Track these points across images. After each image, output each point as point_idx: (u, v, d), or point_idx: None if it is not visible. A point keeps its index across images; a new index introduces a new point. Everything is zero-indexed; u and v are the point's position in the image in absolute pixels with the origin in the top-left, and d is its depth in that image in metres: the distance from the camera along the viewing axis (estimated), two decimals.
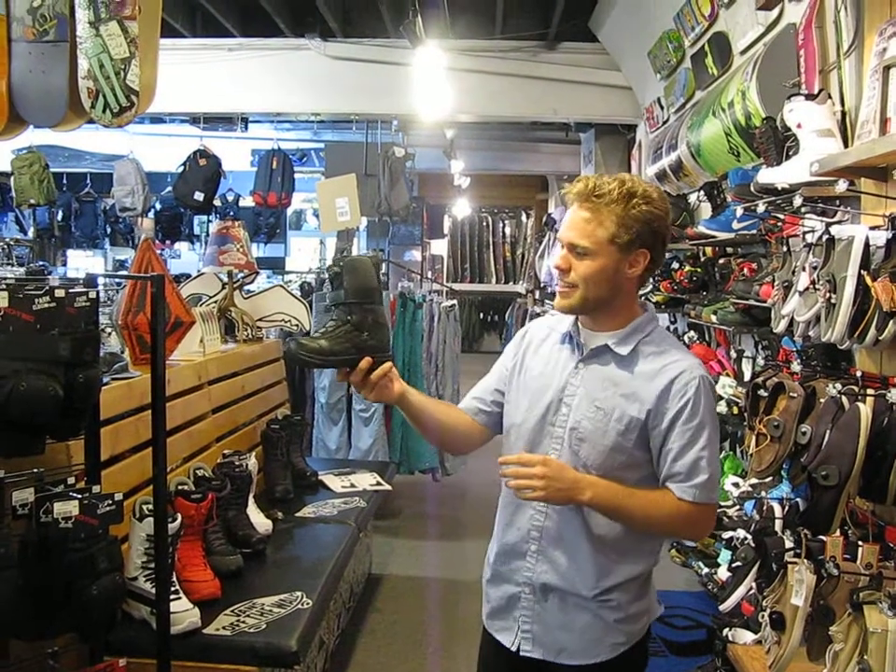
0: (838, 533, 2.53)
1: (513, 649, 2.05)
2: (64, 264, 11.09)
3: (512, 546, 2.07)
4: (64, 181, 9.68)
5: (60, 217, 9.72)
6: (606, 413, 1.92)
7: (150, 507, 2.69)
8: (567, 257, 1.94)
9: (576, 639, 2.00)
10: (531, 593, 2.03)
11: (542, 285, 10.02)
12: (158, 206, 9.21)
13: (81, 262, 11.36)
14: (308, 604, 2.97)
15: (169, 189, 8.47)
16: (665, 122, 6.36)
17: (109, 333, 3.59)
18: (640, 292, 5.50)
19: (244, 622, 2.80)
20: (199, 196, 7.77)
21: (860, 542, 2.51)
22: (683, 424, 1.90)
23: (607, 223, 1.89)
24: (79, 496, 2.26)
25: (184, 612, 2.67)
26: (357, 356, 1.97)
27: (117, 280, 5.49)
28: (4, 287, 2.19)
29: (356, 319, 1.98)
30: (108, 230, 10.12)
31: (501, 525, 2.12)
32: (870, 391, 2.48)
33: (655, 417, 1.91)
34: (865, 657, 2.18)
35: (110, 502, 2.30)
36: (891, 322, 2.33)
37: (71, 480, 2.37)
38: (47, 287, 2.22)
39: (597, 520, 1.95)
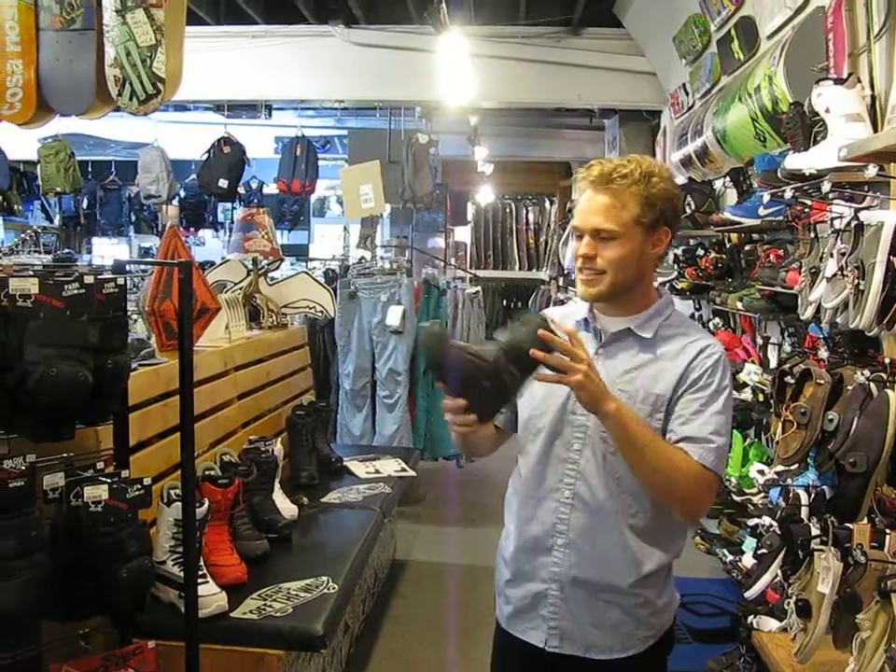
0: (865, 520, 2.52)
1: (541, 646, 2.01)
2: (90, 252, 11.16)
3: (535, 541, 2.01)
4: (89, 169, 9.73)
5: (85, 204, 9.78)
6: (631, 395, 1.90)
7: (178, 492, 2.72)
8: (592, 243, 1.92)
9: (607, 635, 1.97)
10: (559, 589, 1.98)
11: (566, 272, 9.97)
12: (182, 194, 9.24)
13: (106, 250, 11.41)
14: (334, 589, 3.00)
15: (193, 176, 8.50)
16: (690, 108, 6.31)
17: (135, 320, 3.61)
18: (665, 280, 5.52)
19: (270, 606, 2.82)
20: (223, 183, 7.79)
21: (887, 530, 2.49)
22: (697, 391, 1.89)
23: (630, 204, 1.88)
24: (109, 480, 2.28)
25: (211, 596, 2.70)
26: (459, 388, 1.77)
27: (142, 267, 5.53)
28: (33, 273, 2.21)
29: (489, 366, 1.75)
30: (133, 217, 10.17)
31: (520, 521, 2.06)
32: None
33: (677, 388, 1.91)
34: (893, 645, 2.17)
35: (139, 487, 2.33)
36: None
37: (100, 465, 2.40)
38: (76, 274, 2.24)
39: (627, 507, 1.92)
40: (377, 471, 4.65)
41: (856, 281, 2.52)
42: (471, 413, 1.78)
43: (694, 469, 1.85)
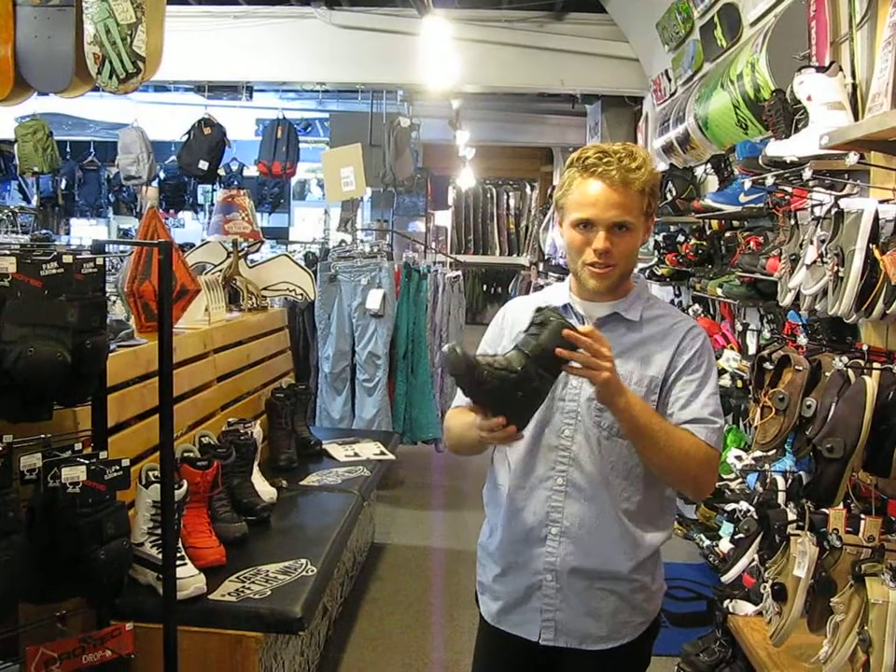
0: (841, 506, 2.54)
1: (535, 640, 1.99)
2: (68, 233, 11.07)
3: (528, 532, 1.98)
4: (68, 149, 9.65)
5: (63, 185, 9.67)
6: (625, 378, 1.88)
7: (156, 473, 2.71)
8: (608, 237, 1.88)
9: (603, 624, 1.96)
10: (554, 579, 1.96)
11: (546, 257, 9.99)
12: (162, 175, 9.18)
13: (85, 231, 11.32)
14: (312, 571, 3.00)
15: (173, 157, 8.44)
16: (672, 95, 6.32)
17: (114, 301, 3.59)
18: (645, 266, 5.54)
19: (249, 588, 2.82)
20: (203, 165, 7.74)
21: (862, 515, 2.51)
22: (691, 373, 1.92)
23: (639, 195, 1.89)
24: (86, 461, 2.27)
25: (190, 578, 2.70)
26: (492, 404, 1.74)
27: (122, 248, 5.49)
28: (11, 252, 2.19)
29: (518, 376, 1.71)
30: (112, 198, 10.09)
31: (510, 513, 2.01)
32: (876, 365, 2.48)
33: (668, 370, 1.93)
34: (866, 628, 2.19)
35: (117, 468, 2.31)
36: None
37: (78, 446, 2.38)
38: (54, 254, 2.22)
39: (622, 491, 1.93)
40: (356, 455, 4.65)
41: (835, 268, 2.53)
42: (510, 424, 1.75)
43: (703, 450, 1.88)
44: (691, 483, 1.96)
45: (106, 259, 2.49)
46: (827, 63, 3.09)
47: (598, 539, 1.93)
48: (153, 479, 2.74)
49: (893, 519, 2.52)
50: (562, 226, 1.99)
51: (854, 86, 3.07)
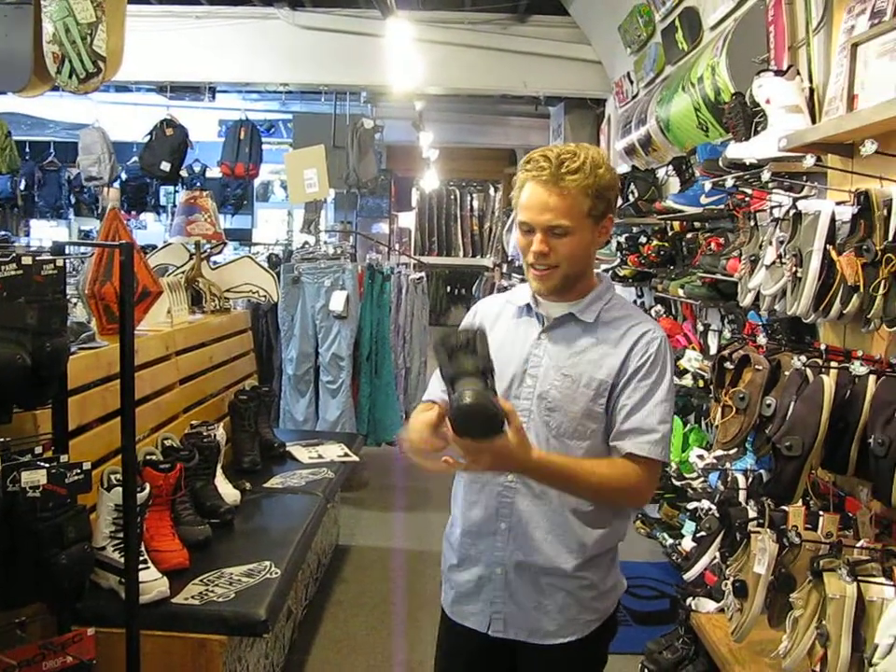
0: (800, 503, 2.58)
1: (485, 631, 2.03)
2: (28, 234, 10.93)
3: (479, 526, 2.02)
4: (27, 150, 9.52)
5: (23, 186, 9.55)
6: (574, 379, 1.92)
7: (118, 477, 2.68)
8: (545, 239, 1.90)
9: (551, 619, 1.98)
10: (503, 573, 1.99)
11: (510, 258, 10.03)
12: (123, 176, 9.09)
13: (45, 232, 11.18)
14: (276, 574, 2.98)
15: (135, 158, 8.38)
16: (634, 97, 6.37)
17: (75, 303, 3.55)
18: (608, 267, 5.58)
19: (212, 591, 2.80)
20: (165, 166, 7.69)
21: (821, 512, 2.55)
22: (640, 380, 1.92)
23: (580, 198, 1.87)
24: (47, 465, 2.24)
25: (152, 582, 2.67)
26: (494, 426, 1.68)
27: (82, 249, 5.44)
28: None
29: (491, 388, 1.70)
30: (73, 199, 9.97)
31: (465, 506, 2.06)
32: (833, 364, 2.52)
33: (618, 376, 1.93)
34: (823, 622, 2.22)
35: (78, 471, 2.29)
36: (855, 296, 2.36)
37: (38, 449, 2.35)
38: (13, 255, 2.19)
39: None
40: (320, 457, 4.63)
41: (794, 269, 2.57)
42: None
43: (636, 474, 1.89)
44: (625, 504, 2.04)
45: (67, 260, 2.47)
46: (785, 67, 3.14)
47: (545, 535, 1.96)
48: (115, 482, 2.71)
49: (851, 515, 2.56)
50: None
51: (811, 89, 3.12)
